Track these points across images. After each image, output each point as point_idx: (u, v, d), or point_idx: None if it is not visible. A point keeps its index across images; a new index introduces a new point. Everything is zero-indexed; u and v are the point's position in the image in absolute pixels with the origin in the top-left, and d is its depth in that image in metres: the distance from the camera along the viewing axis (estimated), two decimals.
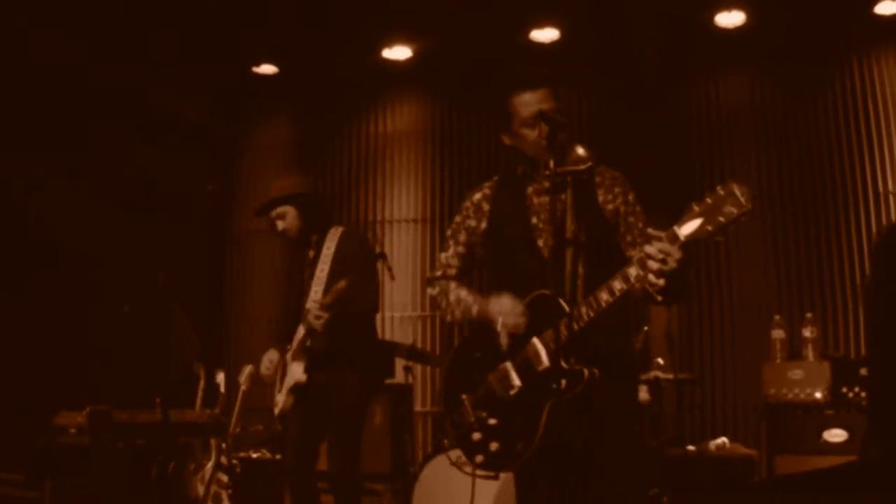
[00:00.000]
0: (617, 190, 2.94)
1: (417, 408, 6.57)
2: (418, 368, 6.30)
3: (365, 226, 7.22)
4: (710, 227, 2.44)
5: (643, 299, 2.71)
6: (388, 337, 6.88)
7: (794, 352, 5.36)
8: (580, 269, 2.68)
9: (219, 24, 6.21)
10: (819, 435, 4.83)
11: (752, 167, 6.39)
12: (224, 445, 4.82)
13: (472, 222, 3.06)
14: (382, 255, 4.94)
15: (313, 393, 4.01)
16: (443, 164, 7.17)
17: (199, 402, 5.26)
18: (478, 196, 3.08)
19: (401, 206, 7.23)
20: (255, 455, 5.53)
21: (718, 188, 2.44)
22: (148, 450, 4.98)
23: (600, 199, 2.92)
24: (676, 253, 2.49)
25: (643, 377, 4.88)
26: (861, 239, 6.10)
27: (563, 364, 2.61)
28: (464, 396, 2.88)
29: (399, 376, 5.84)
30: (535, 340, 2.76)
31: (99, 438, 4.91)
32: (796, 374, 5.03)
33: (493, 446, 2.79)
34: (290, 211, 4.21)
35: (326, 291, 3.99)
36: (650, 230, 2.58)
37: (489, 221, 3.02)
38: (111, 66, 6.24)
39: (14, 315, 5.44)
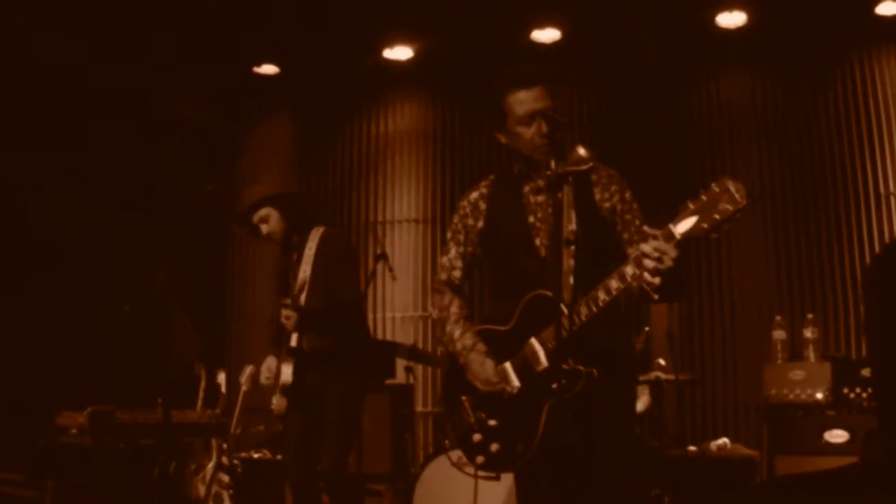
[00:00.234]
0: (614, 188, 2.93)
1: (418, 408, 6.57)
2: (419, 369, 6.30)
3: (366, 226, 7.22)
4: (705, 225, 2.43)
5: (640, 298, 2.71)
6: (389, 337, 6.88)
7: (795, 352, 5.36)
8: (578, 268, 2.68)
9: (219, 24, 6.20)
10: (820, 435, 4.83)
11: (752, 167, 6.39)
12: (225, 446, 4.82)
13: (471, 221, 3.05)
14: (383, 256, 4.93)
15: (307, 393, 4.01)
16: (444, 165, 7.17)
17: (200, 402, 5.26)
18: (475, 195, 3.07)
19: (401, 207, 7.22)
20: (256, 455, 5.53)
21: (713, 185, 2.43)
22: (149, 450, 4.98)
23: (597, 197, 2.91)
24: (672, 251, 2.48)
25: (644, 378, 4.88)
26: (862, 239, 6.10)
27: (562, 364, 2.61)
28: (463, 398, 2.88)
29: (400, 377, 5.84)
30: (534, 341, 2.76)
31: (100, 439, 4.91)
32: (797, 374, 5.03)
33: (494, 447, 2.79)
34: (272, 213, 4.19)
35: (310, 292, 3.99)
36: (646, 228, 2.58)
37: (486, 221, 3.01)
38: (111, 66, 6.24)
39: (14, 315, 5.44)
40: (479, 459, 2.83)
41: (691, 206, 2.46)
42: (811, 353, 5.21)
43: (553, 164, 2.74)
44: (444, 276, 3.09)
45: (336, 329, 4.08)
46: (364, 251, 7.10)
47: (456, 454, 3.00)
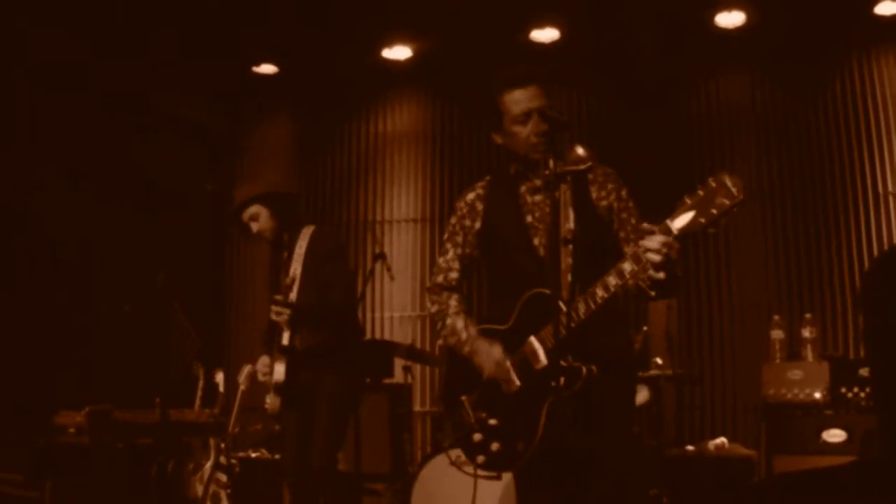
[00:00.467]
0: (610, 186, 2.93)
1: (416, 408, 6.57)
2: (417, 368, 6.30)
3: (364, 225, 7.23)
4: (702, 220, 2.43)
5: (636, 296, 2.72)
6: (387, 337, 6.88)
7: (793, 352, 5.35)
8: (576, 267, 2.68)
9: (219, 24, 6.21)
10: (818, 435, 4.83)
11: (752, 167, 6.39)
12: (223, 445, 4.82)
13: (468, 222, 3.05)
14: (382, 256, 4.93)
15: (301, 392, 4.01)
16: (443, 164, 7.17)
17: (198, 401, 5.26)
18: (471, 196, 3.07)
19: (400, 206, 7.23)
20: (253, 455, 5.53)
21: (710, 180, 2.43)
22: (147, 449, 4.99)
23: (594, 195, 2.91)
24: (676, 244, 2.48)
25: (642, 376, 4.87)
26: (860, 239, 6.10)
27: (561, 362, 2.61)
28: (463, 397, 2.88)
29: (398, 376, 5.84)
30: (533, 339, 2.76)
31: (99, 438, 4.92)
32: (795, 374, 5.03)
33: (495, 447, 2.79)
34: (262, 211, 4.16)
35: (301, 289, 3.99)
36: (645, 224, 2.57)
37: (483, 221, 3.01)
38: (111, 66, 6.25)
39: (14, 315, 5.44)
40: (480, 459, 2.83)
41: (688, 201, 2.45)
42: (809, 353, 5.21)
43: (552, 163, 2.74)
44: (440, 277, 3.09)
45: (327, 327, 4.07)
46: (362, 251, 7.11)
47: (455, 453, 2.99)
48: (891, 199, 6.10)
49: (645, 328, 5.17)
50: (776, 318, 5.49)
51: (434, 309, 3.07)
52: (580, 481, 2.76)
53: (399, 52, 6.82)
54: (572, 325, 2.61)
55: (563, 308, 2.60)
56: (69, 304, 5.79)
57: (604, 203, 2.91)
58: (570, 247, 2.65)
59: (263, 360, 4.18)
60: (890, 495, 1.18)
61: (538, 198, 2.91)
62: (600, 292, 2.61)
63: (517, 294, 2.82)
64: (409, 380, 5.78)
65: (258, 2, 6.05)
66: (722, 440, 5.15)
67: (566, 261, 2.65)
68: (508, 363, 2.80)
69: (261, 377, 4.17)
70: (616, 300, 2.66)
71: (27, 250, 5.74)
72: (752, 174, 6.33)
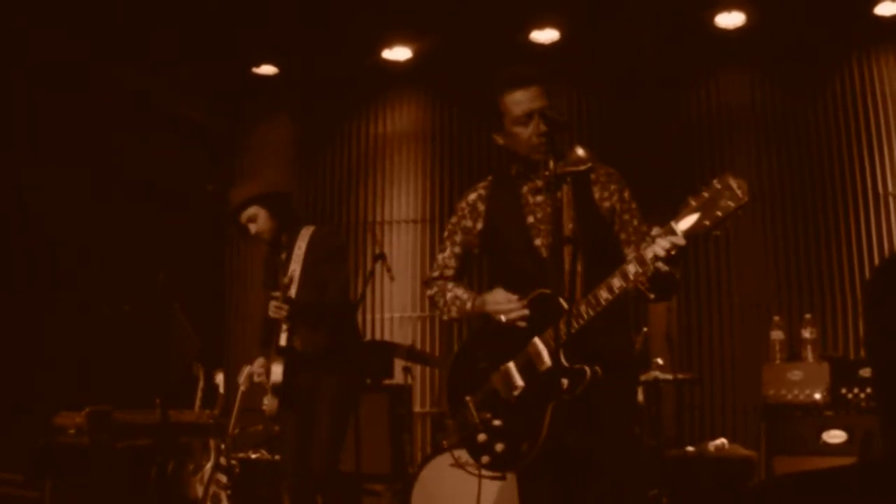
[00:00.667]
0: (613, 187, 2.93)
1: (416, 408, 6.56)
2: (417, 369, 6.30)
3: (364, 226, 7.22)
4: (707, 222, 2.41)
5: (635, 297, 2.72)
6: (387, 338, 6.88)
7: (793, 353, 5.35)
8: (578, 268, 2.67)
9: (219, 24, 6.20)
10: (818, 436, 4.82)
11: (752, 167, 6.38)
12: (223, 446, 4.81)
13: (468, 223, 3.05)
14: (382, 256, 4.93)
15: (300, 393, 4.00)
16: (443, 165, 7.17)
17: (198, 402, 5.26)
18: (473, 196, 3.07)
19: (400, 207, 7.22)
20: (254, 456, 5.53)
21: (715, 181, 2.41)
22: (147, 450, 4.99)
23: (596, 196, 2.90)
24: (681, 241, 2.46)
25: (642, 378, 4.87)
26: (860, 240, 6.10)
27: (565, 363, 2.61)
28: (468, 398, 2.88)
29: (398, 377, 5.84)
30: (537, 340, 2.75)
31: (98, 439, 4.92)
32: (795, 374, 5.02)
33: (499, 447, 2.79)
34: (260, 212, 4.14)
35: (301, 287, 3.98)
36: (654, 229, 2.56)
37: (485, 222, 3.01)
38: (111, 66, 6.25)
39: (14, 315, 5.44)
40: (485, 459, 2.83)
41: (693, 202, 2.44)
42: (809, 354, 5.21)
43: (552, 164, 2.74)
44: (436, 273, 3.12)
45: (326, 327, 4.06)
46: (362, 251, 7.11)
47: (460, 453, 3.00)
48: (891, 199, 6.09)
49: (645, 329, 5.17)
50: (776, 318, 5.49)
51: (433, 291, 3.10)
52: (581, 482, 2.76)
53: (399, 53, 6.82)
54: (576, 326, 2.61)
55: (566, 309, 2.60)
56: (69, 304, 5.79)
57: (606, 204, 2.91)
58: (572, 248, 2.65)
59: (259, 362, 4.17)
60: (891, 497, 1.18)
61: (540, 198, 2.91)
62: (604, 294, 2.61)
63: (520, 295, 2.81)
64: (409, 380, 5.78)
65: (258, 2, 6.05)
66: (722, 441, 5.15)
67: (568, 262, 2.64)
68: (511, 365, 2.80)
69: (256, 378, 4.17)
70: (620, 301, 2.66)
71: (27, 250, 5.73)
72: (752, 174, 6.32)
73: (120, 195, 6.27)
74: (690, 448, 5.10)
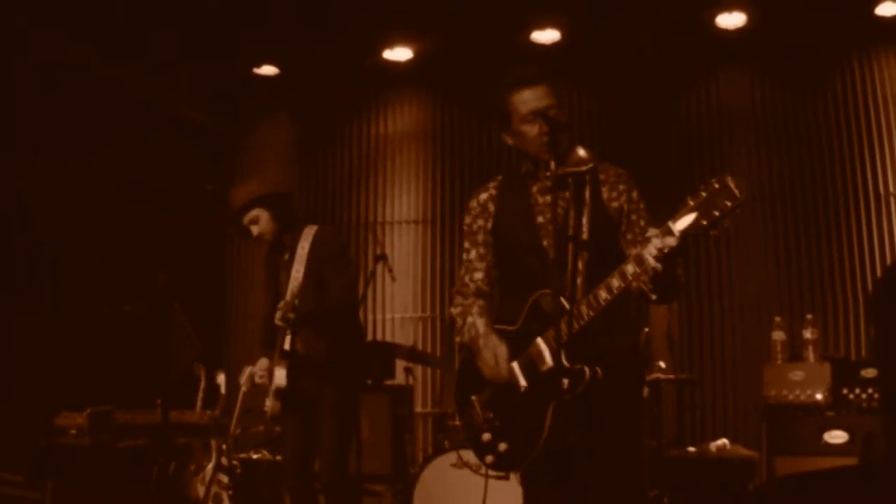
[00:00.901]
0: (621, 187, 2.93)
1: (418, 409, 6.57)
2: (419, 370, 6.30)
3: (365, 227, 7.22)
4: (704, 221, 2.42)
5: (638, 298, 2.72)
6: (388, 338, 6.88)
7: (794, 353, 5.35)
8: (582, 268, 2.67)
9: (219, 24, 6.20)
10: (819, 436, 4.82)
11: (752, 167, 6.38)
12: (224, 446, 4.82)
13: (481, 221, 3.05)
14: (383, 257, 4.93)
15: (303, 397, 3.99)
16: (443, 165, 7.17)
17: (199, 403, 5.26)
18: (484, 196, 3.07)
19: (401, 208, 7.22)
20: (255, 456, 5.53)
21: (713, 181, 2.42)
22: (148, 451, 4.99)
23: (605, 196, 2.90)
24: (673, 241, 2.46)
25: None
26: (861, 240, 6.10)
27: (565, 363, 2.61)
28: (473, 397, 2.89)
29: (399, 377, 5.84)
30: (539, 340, 2.76)
31: (99, 439, 4.92)
32: (797, 375, 5.02)
33: (502, 447, 2.80)
34: (262, 214, 4.10)
35: (305, 292, 3.97)
36: (650, 230, 2.56)
37: (495, 221, 3.01)
38: (111, 66, 6.24)
39: (14, 315, 5.44)
40: (489, 459, 2.84)
41: (691, 202, 2.45)
42: (811, 354, 5.20)
43: (552, 165, 2.74)
44: (466, 278, 3.06)
45: (330, 330, 4.05)
46: (364, 252, 7.11)
47: (464, 453, 3.00)
48: (891, 199, 6.09)
49: (646, 330, 5.17)
50: (777, 319, 5.49)
51: (457, 311, 3.05)
52: (584, 483, 2.76)
53: (399, 54, 6.81)
54: (576, 326, 2.61)
55: (567, 308, 2.60)
56: (69, 304, 5.79)
57: (615, 204, 2.90)
58: (580, 248, 2.65)
59: (262, 364, 4.15)
60: (893, 497, 1.18)
61: (549, 198, 2.90)
62: (603, 294, 2.61)
63: (526, 295, 2.82)
64: (411, 381, 5.78)
65: (258, 2, 6.05)
66: (723, 441, 5.15)
67: (575, 262, 2.64)
68: (514, 365, 2.80)
69: (257, 379, 4.15)
70: (623, 302, 2.65)
71: (27, 250, 5.73)
72: (752, 174, 6.32)
73: (120, 195, 6.27)
74: (691, 448, 5.10)
